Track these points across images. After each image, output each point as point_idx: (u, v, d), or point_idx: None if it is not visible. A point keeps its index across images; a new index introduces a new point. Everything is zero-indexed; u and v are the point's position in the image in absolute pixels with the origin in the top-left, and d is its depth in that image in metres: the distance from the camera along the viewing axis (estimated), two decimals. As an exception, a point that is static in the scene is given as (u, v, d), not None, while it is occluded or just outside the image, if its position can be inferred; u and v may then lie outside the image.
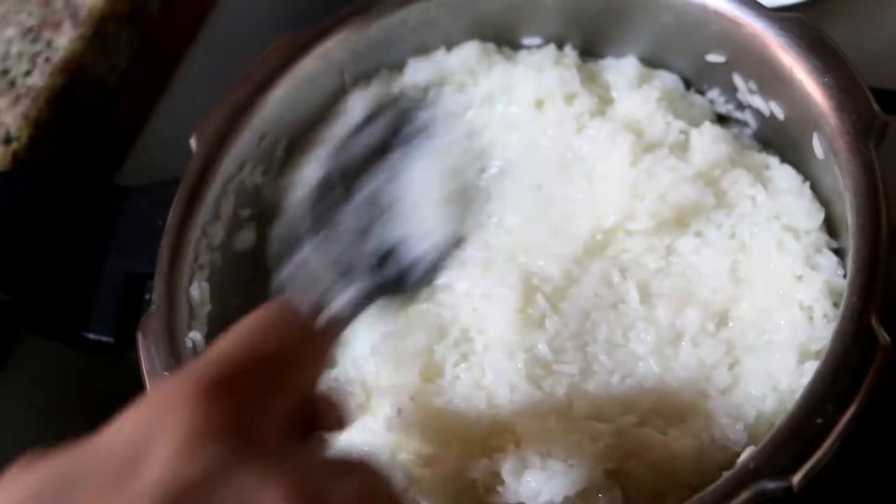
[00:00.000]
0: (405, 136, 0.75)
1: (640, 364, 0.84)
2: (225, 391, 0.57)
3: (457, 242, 0.73)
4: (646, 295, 0.87)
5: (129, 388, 0.83)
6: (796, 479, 0.69)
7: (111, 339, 0.91)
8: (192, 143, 0.93)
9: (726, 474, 0.71)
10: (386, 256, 0.71)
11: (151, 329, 0.84)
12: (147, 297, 0.88)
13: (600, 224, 0.90)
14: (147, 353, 0.83)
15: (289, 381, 0.61)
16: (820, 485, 0.69)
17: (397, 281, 0.71)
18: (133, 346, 0.85)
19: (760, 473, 0.69)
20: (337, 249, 0.71)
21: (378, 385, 0.85)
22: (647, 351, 0.84)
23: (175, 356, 0.83)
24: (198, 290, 0.88)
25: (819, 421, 0.70)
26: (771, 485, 0.69)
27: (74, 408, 1.06)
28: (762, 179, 0.91)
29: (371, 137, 0.75)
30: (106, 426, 0.57)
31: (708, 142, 0.91)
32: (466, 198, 0.74)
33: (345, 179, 0.74)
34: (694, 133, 0.93)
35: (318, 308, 0.67)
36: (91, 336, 0.91)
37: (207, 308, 0.89)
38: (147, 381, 0.82)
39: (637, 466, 0.78)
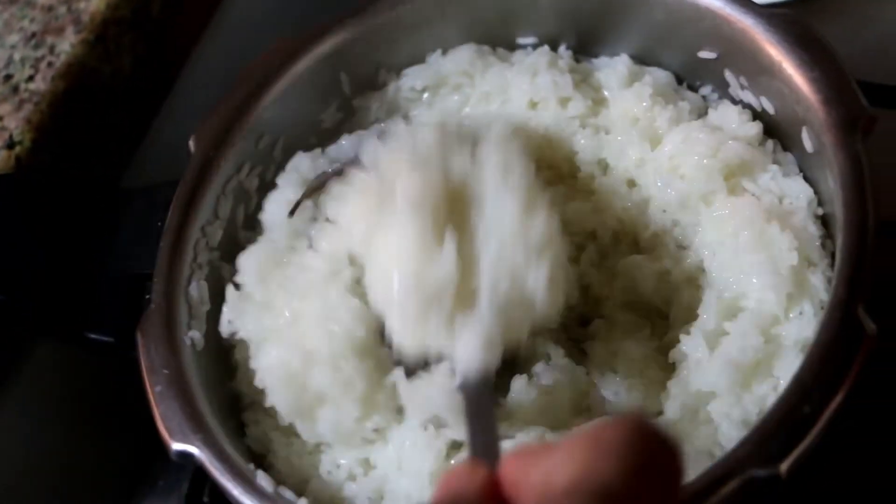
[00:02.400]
0: None
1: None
2: None
3: None
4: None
5: (132, 389, 0.85)
6: (784, 466, 0.70)
7: (112, 339, 0.92)
8: (191, 144, 0.94)
9: (715, 463, 0.71)
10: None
11: (151, 328, 0.86)
12: (148, 296, 0.89)
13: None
14: (146, 352, 0.85)
15: None
16: (808, 472, 0.70)
17: None
18: (134, 345, 0.86)
19: (749, 461, 0.70)
20: None
21: None
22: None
23: (174, 354, 0.85)
24: (197, 290, 0.89)
25: (806, 409, 0.71)
26: (759, 472, 0.70)
27: (79, 411, 1.07)
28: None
29: None
30: None
31: (744, 120, 0.93)
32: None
33: None
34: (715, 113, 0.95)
35: None
36: (92, 336, 0.92)
37: (207, 307, 0.90)
38: (146, 378, 0.83)
39: None
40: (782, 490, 0.70)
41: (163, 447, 0.82)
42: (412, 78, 1.01)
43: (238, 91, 0.96)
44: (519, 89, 0.98)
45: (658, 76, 0.97)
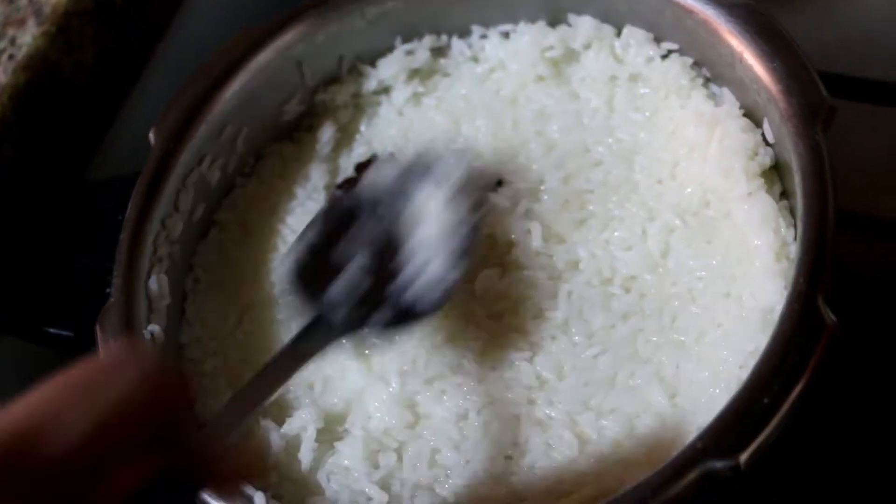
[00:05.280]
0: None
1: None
2: None
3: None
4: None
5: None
6: (743, 457, 0.69)
7: (71, 334, 0.91)
8: (151, 136, 0.93)
9: (674, 455, 0.71)
10: (400, 291, 0.82)
11: (109, 322, 0.85)
12: (108, 290, 0.88)
13: None
14: (105, 347, 0.84)
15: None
16: (767, 463, 0.70)
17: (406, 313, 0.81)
18: (94, 340, 0.85)
19: (708, 453, 0.70)
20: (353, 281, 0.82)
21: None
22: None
23: (133, 347, 0.84)
24: (156, 284, 0.89)
25: (766, 400, 0.71)
26: (718, 464, 0.69)
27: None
28: None
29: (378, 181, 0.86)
30: None
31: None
32: (472, 249, 0.84)
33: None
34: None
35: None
36: (51, 331, 0.91)
37: (167, 301, 0.89)
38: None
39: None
40: (742, 481, 0.70)
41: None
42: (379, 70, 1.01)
43: (199, 82, 0.95)
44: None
45: None
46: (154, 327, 0.86)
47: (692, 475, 0.69)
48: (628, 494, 0.71)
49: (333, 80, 1.02)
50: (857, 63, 1.03)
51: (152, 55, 1.25)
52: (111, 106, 1.21)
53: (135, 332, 0.85)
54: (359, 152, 1.00)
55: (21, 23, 1.14)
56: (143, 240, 0.89)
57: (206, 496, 0.77)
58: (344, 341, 0.80)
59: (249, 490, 0.78)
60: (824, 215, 0.77)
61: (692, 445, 0.71)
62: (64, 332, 0.91)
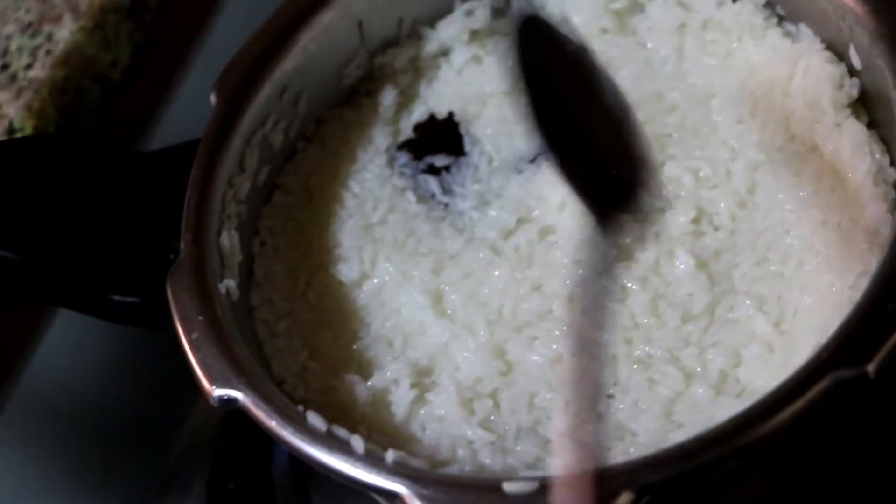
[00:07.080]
0: None
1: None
2: None
3: None
4: None
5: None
6: (871, 367, 0.66)
7: (137, 300, 0.87)
8: (212, 97, 0.90)
9: (800, 366, 0.68)
10: None
11: (182, 277, 0.81)
12: (172, 256, 0.84)
13: None
14: (178, 301, 0.80)
15: None
16: (897, 371, 0.67)
17: None
18: (161, 304, 0.82)
19: (835, 362, 0.67)
20: None
21: None
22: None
23: (208, 302, 0.80)
24: (228, 240, 0.85)
25: (890, 306, 0.68)
26: (847, 373, 0.66)
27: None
28: None
29: None
30: None
31: None
32: None
33: None
34: None
35: None
36: (116, 297, 0.87)
37: (238, 258, 0.86)
38: (180, 327, 0.79)
39: None
40: (873, 391, 0.66)
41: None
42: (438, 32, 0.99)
43: (259, 42, 0.92)
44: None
45: None
46: (229, 282, 0.83)
47: (820, 386, 0.66)
48: (755, 407, 0.67)
49: (392, 43, 0.99)
50: None
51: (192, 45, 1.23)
52: (149, 105, 1.20)
53: (208, 285, 0.81)
54: (418, 113, 0.97)
55: (57, 19, 1.15)
56: (211, 197, 0.86)
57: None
58: None
59: (343, 434, 0.74)
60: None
61: (818, 356, 0.68)
62: (130, 299, 0.87)
